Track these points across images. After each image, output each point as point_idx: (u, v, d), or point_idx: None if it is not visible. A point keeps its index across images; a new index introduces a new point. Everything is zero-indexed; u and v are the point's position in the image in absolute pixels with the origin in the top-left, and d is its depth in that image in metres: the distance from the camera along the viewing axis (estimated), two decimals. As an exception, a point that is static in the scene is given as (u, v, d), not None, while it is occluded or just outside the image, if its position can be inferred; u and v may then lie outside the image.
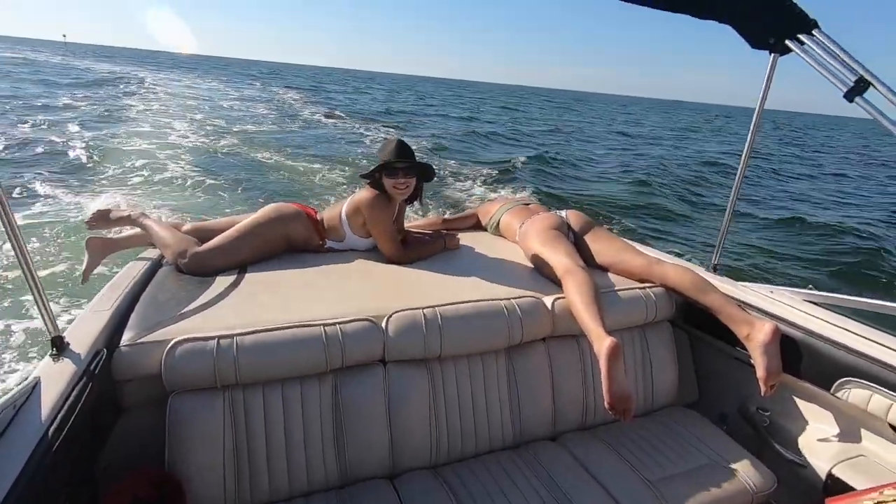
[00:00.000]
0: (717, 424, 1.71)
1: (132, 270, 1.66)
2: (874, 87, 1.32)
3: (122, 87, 22.28)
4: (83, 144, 9.16)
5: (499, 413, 1.54)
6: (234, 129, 13.29)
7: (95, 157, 8.50)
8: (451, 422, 1.48)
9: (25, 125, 10.80)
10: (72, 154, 8.58)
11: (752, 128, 1.81)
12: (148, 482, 1.13)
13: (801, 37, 1.44)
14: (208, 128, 12.94)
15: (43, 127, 10.80)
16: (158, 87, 23.64)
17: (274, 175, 8.72)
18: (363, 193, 1.93)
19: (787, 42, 1.47)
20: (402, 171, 1.86)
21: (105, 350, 1.20)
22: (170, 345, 1.22)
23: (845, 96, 1.35)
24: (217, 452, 1.23)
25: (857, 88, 1.33)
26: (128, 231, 1.99)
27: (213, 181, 7.69)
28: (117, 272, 1.67)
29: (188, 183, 7.49)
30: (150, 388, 1.26)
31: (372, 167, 1.90)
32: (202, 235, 1.83)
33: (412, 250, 1.97)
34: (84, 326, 1.27)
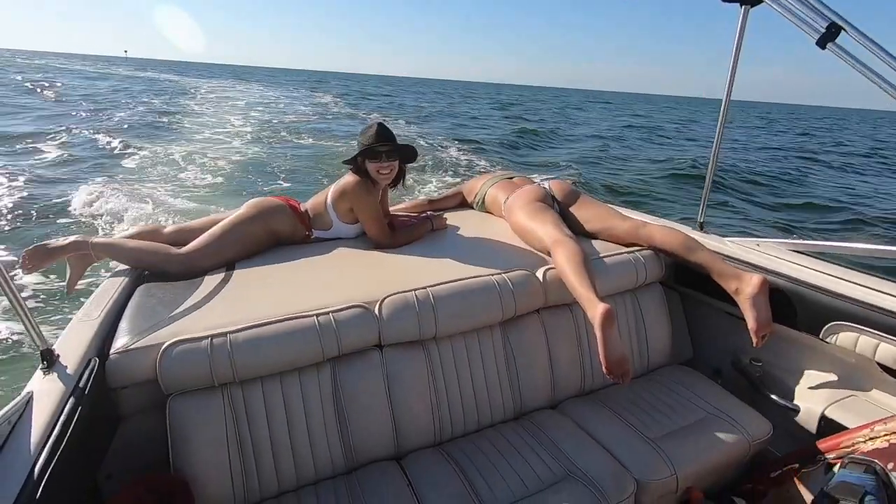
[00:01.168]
0: (712, 379, 1.75)
1: (118, 277, 1.64)
2: (846, 31, 1.32)
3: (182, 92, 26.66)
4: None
5: (498, 387, 1.56)
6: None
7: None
8: (452, 399, 1.49)
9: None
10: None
11: (728, 81, 1.81)
12: (151, 487, 1.13)
13: None
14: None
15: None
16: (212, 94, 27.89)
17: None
18: (347, 179, 1.91)
19: None
20: (384, 154, 1.84)
21: (97, 359, 1.19)
22: (163, 348, 1.21)
23: (818, 43, 1.35)
24: (222, 450, 1.23)
25: (829, 34, 1.33)
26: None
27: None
28: (104, 280, 1.64)
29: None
30: (147, 394, 1.25)
31: (354, 153, 1.88)
32: (185, 236, 1.80)
33: (400, 234, 1.96)
34: (73, 337, 1.25)
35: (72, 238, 1.73)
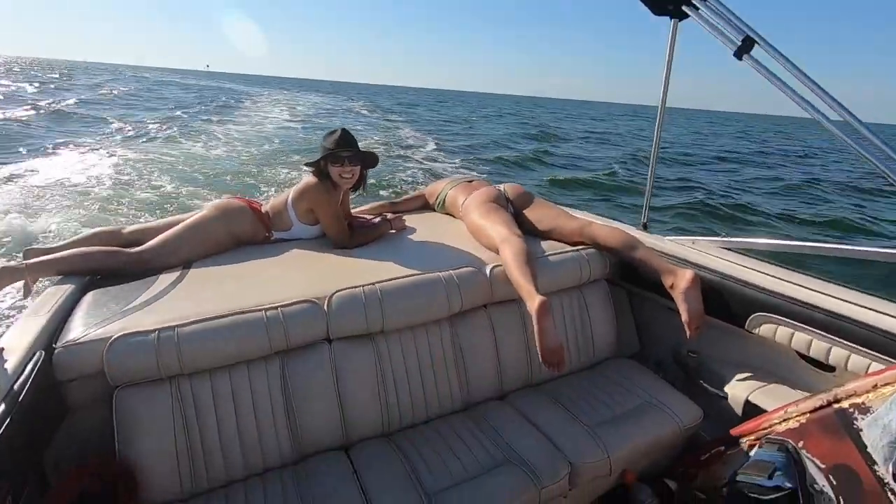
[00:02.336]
0: (655, 371, 1.85)
1: (71, 275, 1.65)
2: (758, 44, 1.44)
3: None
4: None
5: (446, 379, 1.63)
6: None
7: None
8: (401, 391, 1.55)
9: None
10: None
11: (662, 87, 1.93)
12: (96, 475, 1.16)
13: (695, 2, 1.54)
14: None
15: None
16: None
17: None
18: (307, 180, 1.97)
19: (684, 7, 1.57)
20: (346, 159, 1.90)
21: (42, 352, 1.21)
22: (110, 341, 1.24)
23: (735, 55, 1.46)
24: (168, 439, 1.27)
25: (744, 47, 1.44)
26: (67, 241, 1.95)
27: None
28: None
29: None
30: (94, 386, 1.28)
31: (317, 157, 1.94)
32: (146, 236, 1.82)
33: (358, 234, 2.02)
34: (20, 331, 1.27)
35: (13, 263, 1.61)
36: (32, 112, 15.68)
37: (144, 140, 12.47)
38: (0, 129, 12.13)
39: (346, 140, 1.91)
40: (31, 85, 28.40)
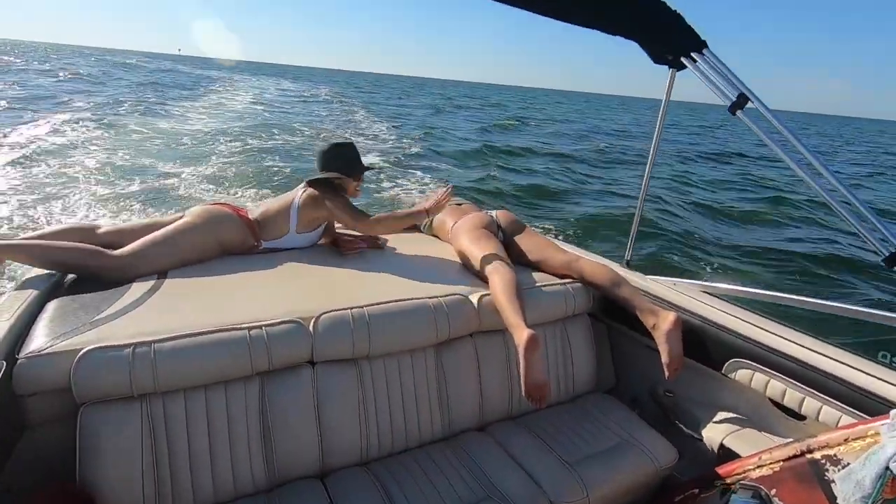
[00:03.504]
0: (630, 407, 1.87)
1: (38, 278, 1.55)
2: (752, 102, 1.51)
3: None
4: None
5: (428, 408, 1.60)
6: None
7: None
8: (382, 419, 1.51)
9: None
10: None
11: (657, 128, 1.99)
12: (53, 501, 1.07)
13: (694, 55, 1.61)
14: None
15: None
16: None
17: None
18: (313, 190, 1.99)
19: (682, 59, 1.64)
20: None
21: (3, 362, 1.12)
22: (80, 354, 1.16)
23: (729, 109, 1.53)
24: (135, 464, 1.19)
25: (738, 103, 1.51)
26: (31, 235, 1.84)
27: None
28: (20, 279, 1.55)
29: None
30: (57, 402, 1.19)
31: (324, 171, 2.04)
32: (122, 238, 1.72)
33: (378, 222, 2.04)
34: None
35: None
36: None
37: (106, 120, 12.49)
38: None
39: (359, 155, 2.09)
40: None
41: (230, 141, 11.84)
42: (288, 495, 1.32)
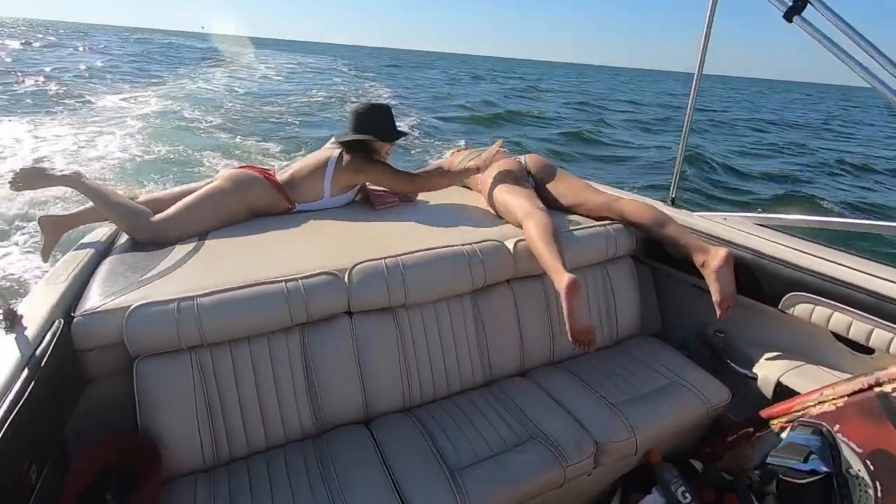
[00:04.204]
0: (679, 350, 1.80)
1: (88, 244, 1.63)
2: (812, 4, 1.33)
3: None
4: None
5: (468, 354, 1.59)
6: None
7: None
8: (422, 365, 1.52)
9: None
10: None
11: (698, 62, 1.83)
12: (118, 447, 1.15)
13: None
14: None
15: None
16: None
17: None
18: (356, 161, 1.97)
19: None
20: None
21: (62, 321, 1.19)
22: (129, 310, 1.21)
23: (784, 16, 1.36)
24: (189, 412, 1.25)
25: (796, 7, 1.34)
26: (82, 207, 1.93)
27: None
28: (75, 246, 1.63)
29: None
30: (113, 357, 1.26)
31: (357, 132, 1.99)
32: (158, 206, 1.78)
33: (430, 179, 2.07)
34: (38, 299, 1.25)
35: (69, 171, 1.75)
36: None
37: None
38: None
39: (394, 120, 2.07)
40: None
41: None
42: (335, 440, 1.36)
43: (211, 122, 10.58)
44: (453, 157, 2.47)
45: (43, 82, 14.40)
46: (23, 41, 33.84)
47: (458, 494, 1.19)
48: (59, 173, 1.74)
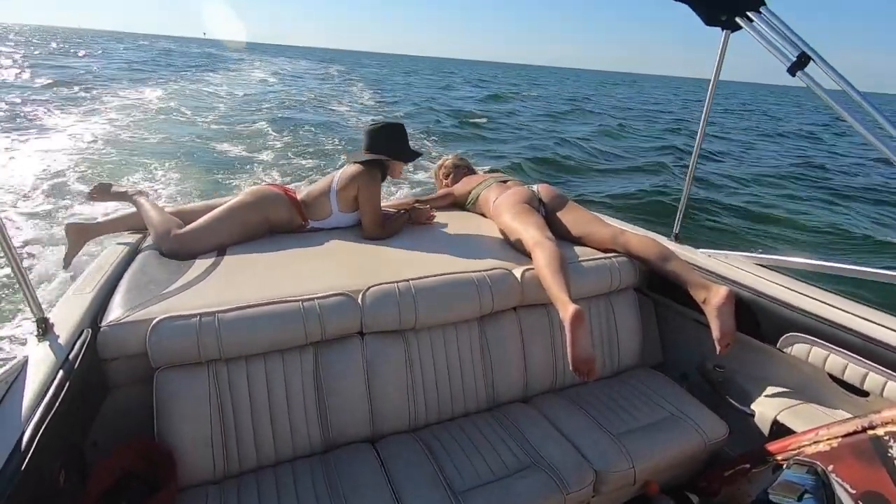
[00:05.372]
0: (678, 382, 1.84)
1: (112, 254, 1.69)
2: (814, 62, 1.41)
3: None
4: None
5: (473, 378, 1.64)
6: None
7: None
8: (428, 388, 1.57)
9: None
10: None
11: (707, 99, 1.90)
12: (136, 454, 1.19)
13: (750, 14, 1.52)
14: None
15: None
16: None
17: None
18: (355, 168, 2.01)
19: (738, 19, 1.55)
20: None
21: (89, 330, 1.24)
22: (153, 323, 1.27)
23: (788, 70, 1.44)
24: (204, 424, 1.29)
25: (799, 63, 1.42)
26: (106, 217, 2.01)
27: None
28: (98, 255, 1.69)
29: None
30: (135, 366, 1.31)
31: (371, 152, 2.04)
32: (183, 218, 1.86)
33: (387, 227, 2.04)
34: (68, 308, 1.31)
35: (129, 188, 2.05)
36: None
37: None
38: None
39: (408, 140, 2.11)
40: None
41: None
42: (342, 457, 1.39)
43: (210, 117, 12.20)
44: (467, 183, 2.53)
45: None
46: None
47: None
48: (122, 190, 2.01)
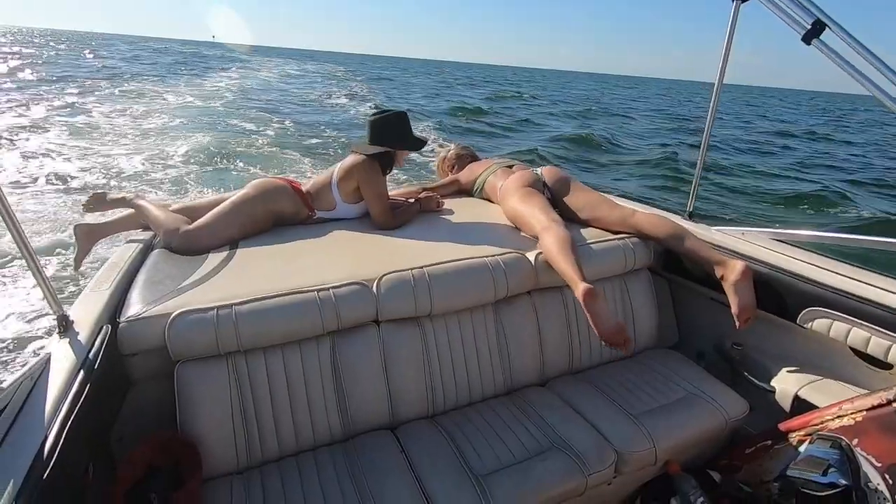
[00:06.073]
0: (696, 362, 1.83)
1: (126, 251, 1.70)
2: (830, 28, 1.37)
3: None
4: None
5: (490, 363, 1.64)
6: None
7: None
8: (445, 374, 1.57)
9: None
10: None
11: (718, 74, 1.86)
12: (161, 448, 1.20)
13: None
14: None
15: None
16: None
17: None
18: (355, 158, 1.99)
19: None
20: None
21: (108, 326, 1.25)
22: (171, 317, 1.27)
23: (803, 39, 1.40)
24: (226, 415, 1.31)
25: (814, 31, 1.38)
26: (114, 216, 2.02)
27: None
28: (111, 254, 1.70)
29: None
30: (155, 361, 1.32)
31: (373, 142, 2.01)
32: (190, 215, 1.86)
33: (398, 216, 2.03)
34: (87, 304, 1.32)
35: (126, 194, 2.03)
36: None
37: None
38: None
39: (411, 128, 2.06)
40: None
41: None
42: (363, 445, 1.40)
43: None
44: (473, 170, 2.51)
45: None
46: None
47: (484, 500, 1.23)
48: (118, 196, 2.01)
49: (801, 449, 1.39)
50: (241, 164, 7.85)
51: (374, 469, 1.31)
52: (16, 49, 36.12)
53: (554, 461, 1.35)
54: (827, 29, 1.38)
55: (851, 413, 1.33)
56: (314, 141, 10.28)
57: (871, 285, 1.47)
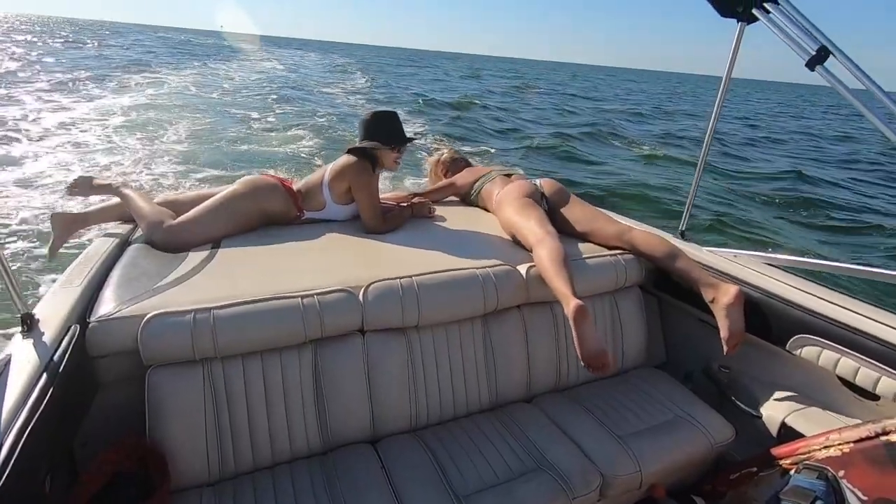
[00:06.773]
0: (683, 383, 1.81)
1: (102, 245, 1.63)
2: (834, 56, 1.36)
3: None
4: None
5: (475, 378, 1.59)
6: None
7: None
8: (430, 387, 1.52)
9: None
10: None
11: (719, 95, 1.85)
12: (127, 454, 1.14)
13: (767, 5, 1.47)
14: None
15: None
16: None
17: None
18: (347, 159, 1.94)
19: (754, 10, 1.50)
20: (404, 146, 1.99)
21: (77, 326, 1.18)
22: (145, 319, 1.21)
23: (807, 65, 1.39)
24: (198, 424, 1.24)
25: (818, 57, 1.37)
26: (95, 206, 1.94)
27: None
28: (86, 247, 1.62)
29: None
30: (126, 364, 1.25)
31: (364, 141, 1.94)
32: (175, 209, 1.79)
33: (389, 220, 1.98)
34: (54, 302, 1.25)
35: (113, 181, 1.94)
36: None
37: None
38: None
39: (401, 126, 1.97)
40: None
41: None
42: (342, 458, 1.35)
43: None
44: (468, 176, 2.47)
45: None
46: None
47: None
48: (105, 182, 1.92)
49: (787, 478, 1.37)
50: (238, 154, 7.76)
51: (353, 485, 1.26)
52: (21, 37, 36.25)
53: (538, 483, 1.31)
54: (831, 56, 1.37)
55: (839, 444, 1.31)
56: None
57: (862, 315, 1.47)
